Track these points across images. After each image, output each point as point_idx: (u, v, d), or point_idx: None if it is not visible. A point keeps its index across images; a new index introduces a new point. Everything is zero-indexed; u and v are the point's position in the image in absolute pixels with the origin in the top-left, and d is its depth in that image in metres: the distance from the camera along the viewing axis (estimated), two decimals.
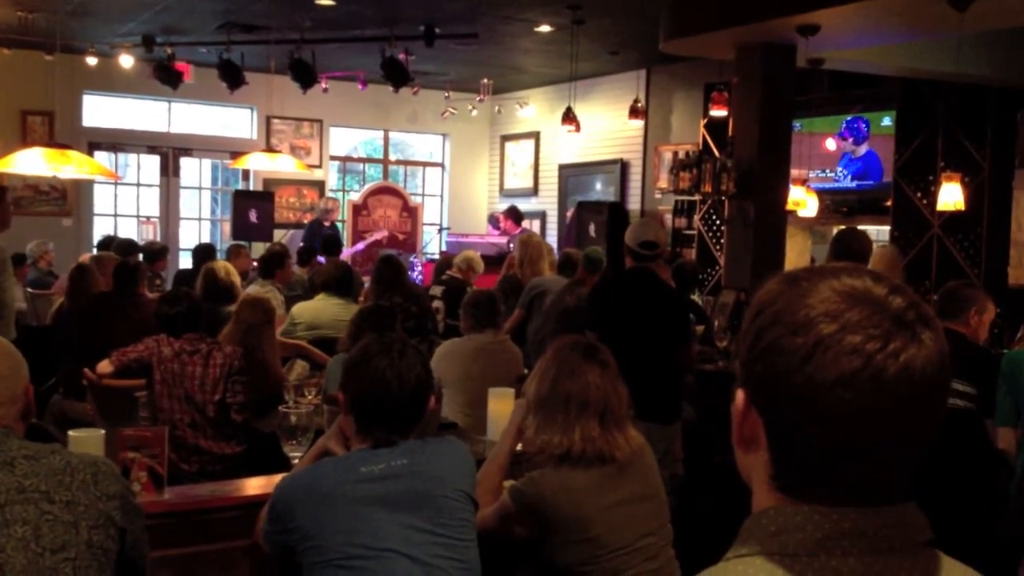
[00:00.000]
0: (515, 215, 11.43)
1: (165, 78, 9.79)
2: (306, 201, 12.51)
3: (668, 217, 10.31)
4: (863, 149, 8.88)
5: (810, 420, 0.90)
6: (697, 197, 8.62)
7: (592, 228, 10.06)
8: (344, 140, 13.46)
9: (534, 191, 12.65)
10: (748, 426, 0.96)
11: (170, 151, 12.06)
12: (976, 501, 3.75)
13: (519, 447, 2.91)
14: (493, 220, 11.84)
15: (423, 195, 13.70)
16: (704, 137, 9.62)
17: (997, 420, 3.73)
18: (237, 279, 6.24)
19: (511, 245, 9.57)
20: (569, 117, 9.66)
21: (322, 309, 5.92)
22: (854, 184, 8.92)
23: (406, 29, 8.89)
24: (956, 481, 3.55)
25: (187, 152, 12.22)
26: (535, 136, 12.61)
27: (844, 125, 9.00)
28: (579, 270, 6.51)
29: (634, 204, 11.05)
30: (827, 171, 9.11)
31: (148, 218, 12.16)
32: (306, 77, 9.29)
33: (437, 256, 10.74)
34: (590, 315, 4.83)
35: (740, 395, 0.96)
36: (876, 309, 0.90)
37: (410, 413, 2.40)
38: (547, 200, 12.46)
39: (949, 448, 3.47)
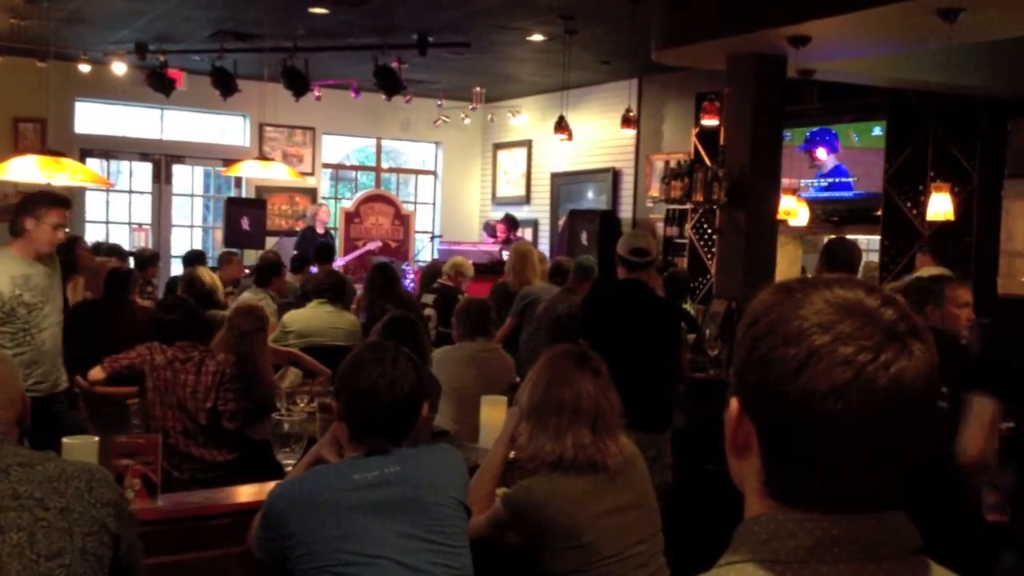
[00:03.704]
0: (511, 223, 11.45)
1: (158, 85, 9.80)
2: (298, 209, 12.51)
3: (660, 226, 10.34)
4: (831, 163, 9.00)
5: (802, 429, 0.91)
6: (688, 206, 8.64)
7: (584, 237, 10.09)
8: (337, 148, 13.47)
9: (526, 199, 12.67)
10: (741, 434, 0.97)
11: (162, 158, 12.05)
12: (949, 499, 3.79)
13: (512, 454, 2.92)
14: (489, 228, 11.86)
15: (415, 203, 13.71)
16: (695, 146, 9.65)
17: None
18: (220, 287, 6.26)
19: (503, 254, 9.59)
20: (561, 126, 9.68)
21: (313, 317, 5.92)
22: (850, 194, 8.96)
23: (399, 38, 8.92)
24: (936, 480, 3.57)
25: (179, 159, 12.21)
26: (527, 144, 12.64)
27: (808, 137, 9.09)
28: (570, 278, 6.53)
29: (626, 213, 11.08)
30: (819, 181, 9.17)
31: (140, 225, 12.15)
32: (299, 85, 9.30)
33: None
34: (582, 324, 4.84)
35: (734, 403, 0.98)
36: (868, 321, 0.91)
37: (403, 421, 2.41)
38: (539, 208, 12.48)
39: (933, 447, 3.48)
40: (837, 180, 9.01)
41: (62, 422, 4.36)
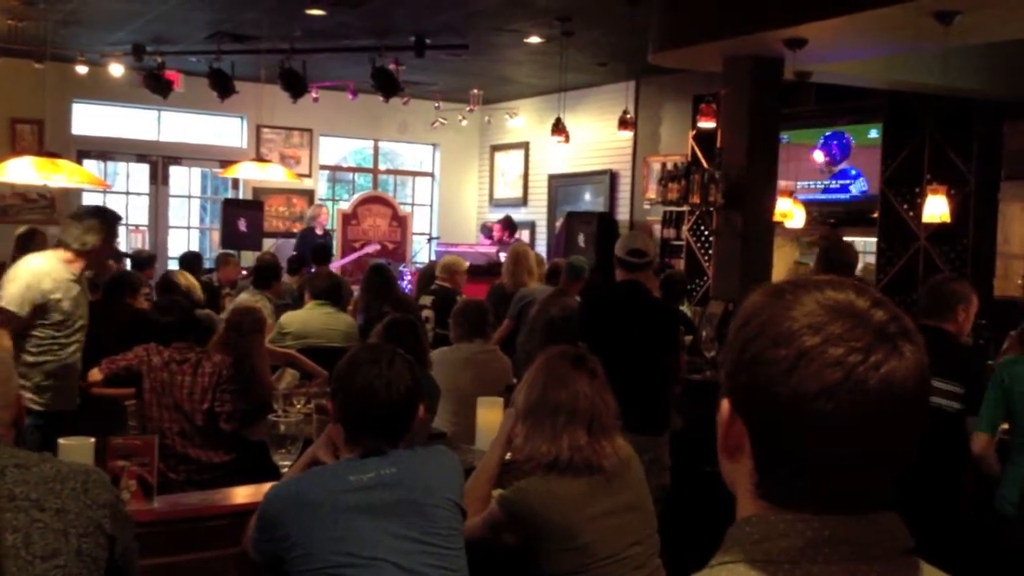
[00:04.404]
0: (509, 225, 11.44)
1: (155, 87, 9.79)
2: (295, 210, 12.51)
3: (657, 228, 10.35)
4: (838, 168, 9.00)
5: (793, 430, 0.92)
6: (686, 208, 8.64)
7: (581, 238, 10.08)
8: (334, 149, 13.47)
9: (523, 201, 12.68)
10: (733, 435, 0.98)
11: (159, 160, 12.05)
12: (952, 498, 3.79)
13: (508, 456, 2.92)
14: (486, 230, 11.85)
15: (413, 204, 13.71)
16: (692, 148, 9.65)
17: (979, 426, 3.72)
18: (197, 288, 6.25)
19: (501, 255, 9.59)
20: (558, 128, 9.69)
21: (311, 318, 5.92)
22: (846, 196, 8.97)
23: (396, 39, 8.92)
24: (935, 479, 3.58)
25: (176, 161, 12.21)
26: (525, 146, 12.64)
27: (822, 140, 9.10)
28: (561, 279, 6.52)
29: (623, 215, 11.08)
30: (815, 183, 9.18)
31: (137, 227, 12.14)
32: (296, 86, 9.30)
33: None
34: (579, 326, 4.84)
35: (725, 404, 0.98)
36: (858, 322, 0.92)
37: (399, 422, 2.42)
38: (536, 210, 12.48)
39: (932, 447, 3.48)
40: (839, 184, 9.01)
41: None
